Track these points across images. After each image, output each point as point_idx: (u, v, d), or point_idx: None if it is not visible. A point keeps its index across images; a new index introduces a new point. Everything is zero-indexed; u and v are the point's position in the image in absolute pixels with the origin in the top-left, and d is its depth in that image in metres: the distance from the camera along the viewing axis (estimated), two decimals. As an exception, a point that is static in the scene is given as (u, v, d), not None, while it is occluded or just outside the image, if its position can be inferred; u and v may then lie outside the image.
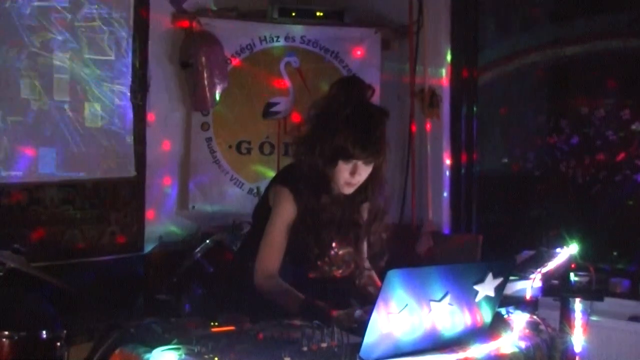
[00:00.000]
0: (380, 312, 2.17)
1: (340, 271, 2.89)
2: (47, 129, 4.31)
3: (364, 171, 2.74)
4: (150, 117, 4.91)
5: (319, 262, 2.85)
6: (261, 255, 2.81)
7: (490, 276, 2.42)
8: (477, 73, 5.08)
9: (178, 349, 2.25)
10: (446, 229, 5.07)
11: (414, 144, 5.07)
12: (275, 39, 5.10)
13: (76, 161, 4.46)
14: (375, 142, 2.70)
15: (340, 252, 2.88)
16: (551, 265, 3.06)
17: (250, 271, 2.86)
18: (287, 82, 5.10)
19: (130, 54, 4.70)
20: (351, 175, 2.73)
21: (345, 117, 2.69)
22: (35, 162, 4.26)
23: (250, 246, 2.95)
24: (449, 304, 2.33)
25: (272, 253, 2.80)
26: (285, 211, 2.79)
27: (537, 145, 4.84)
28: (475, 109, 5.09)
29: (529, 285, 2.92)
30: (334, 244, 2.86)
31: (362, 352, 2.18)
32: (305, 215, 2.77)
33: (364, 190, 2.84)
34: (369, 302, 2.64)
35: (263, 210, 2.90)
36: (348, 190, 2.79)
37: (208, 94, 4.87)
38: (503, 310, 2.83)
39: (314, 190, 2.76)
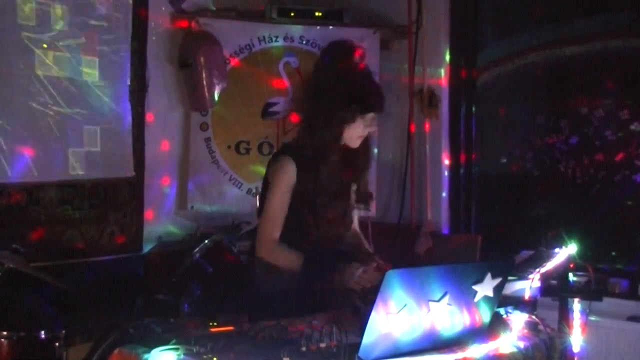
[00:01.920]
0: (379, 312, 2.17)
1: (331, 235, 3.01)
2: (45, 129, 4.31)
3: (376, 121, 2.95)
4: (149, 117, 4.91)
5: (312, 230, 2.95)
6: (263, 224, 2.92)
7: (489, 276, 2.42)
8: (476, 73, 5.08)
9: (177, 349, 2.25)
10: (445, 229, 5.07)
11: (413, 144, 5.07)
12: (274, 39, 5.10)
13: (75, 161, 4.46)
14: (383, 93, 2.94)
15: (331, 216, 2.99)
16: (550, 266, 3.06)
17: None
18: (286, 82, 5.10)
19: (129, 54, 4.70)
20: (365, 128, 2.93)
21: (354, 76, 2.87)
22: (34, 162, 4.26)
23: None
24: (448, 304, 2.33)
25: (274, 220, 2.90)
26: (286, 179, 2.90)
27: (536, 145, 4.83)
28: (474, 109, 5.09)
29: (528, 285, 2.92)
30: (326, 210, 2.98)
31: (361, 352, 2.18)
32: (304, 184, 2.89)
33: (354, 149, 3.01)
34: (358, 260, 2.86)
35: (265, 189, 2.99)
36: (358, 144, 2.97)
37: (207, 94, 4.87)
38: (502, 310, 2.84)
39: (315, 159, 2.89)
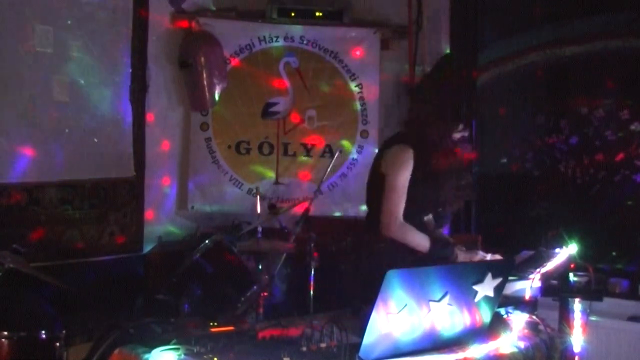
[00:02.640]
0: (379, 312, 2.17)
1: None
2: (46, 129, 4.31)
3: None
4: (150, 117, 4.91)
5: (435, 206, 3.25)
6: (389, 205, 3.10)
7: (489, 276, 2.42)
8: (476, 73, 5.07)
9: (177, 349, 2.25)
10: (445, 229, 5.06)
11: (414, 144, 5.06)
12: (274, 39, 5.10)
13: (75, 161, 4.46)
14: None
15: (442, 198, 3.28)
16: (550, 266, 3.06)
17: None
18: (286, 82, 5.10)
19: (129, 54, 4.70)
20: (461, 131, 3.25)
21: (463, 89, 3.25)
22: (34, 162, 4.26)
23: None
24: (448, 304, 2.33)
25: (399, 201, 3.11)
26: (407, 164, 3.13)
27: (537, 145, 4.83)
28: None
29: (528, 286, 2.92)
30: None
31: (362, 352, 2.18)
32: (420, 168, 3.13)
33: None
34: None
35: (376, 178, 3.20)
36: (456, 139, 3.28)
37: (207, 94, 4.87)
38: (502, 310, 2.83)
39: (433, 146, 3.16)
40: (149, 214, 4.96)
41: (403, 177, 3.12)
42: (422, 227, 3.19)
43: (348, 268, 3.65)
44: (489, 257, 3.20)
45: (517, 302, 2.92)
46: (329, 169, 4.46)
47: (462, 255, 3.17)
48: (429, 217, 3.30)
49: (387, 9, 5.24)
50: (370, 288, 2.81)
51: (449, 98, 3.23)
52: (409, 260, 3.09)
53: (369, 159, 5.10)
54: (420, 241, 3.11)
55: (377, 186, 3.17)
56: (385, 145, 3.30)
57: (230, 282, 3.89)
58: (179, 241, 4.99)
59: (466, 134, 3.33)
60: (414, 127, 3.27)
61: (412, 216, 3.15)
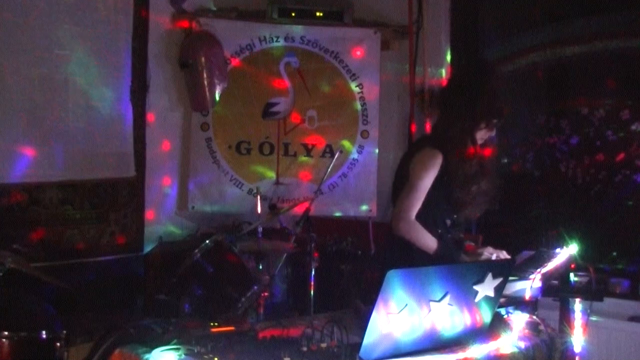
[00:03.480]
0: (380, 312, 2.17)
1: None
2: (46, 129, 4.31)
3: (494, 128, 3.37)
4: (150, 117, 4.91)
5: (453, 209, 3.30)
6: (404, 203, 3.14)
7: (489, 276, 2.42)
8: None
9: (178, 349, 2.26)
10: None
11: (414, 144, 5.07)
12: (275, 39, 5.10)
13: (76, 161, 4.46)
14: (504, 108, 3.31)
15: (466, 198, 3.31)
16: (551, 266, 3.06)
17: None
18: (286, 82, 5.10)
19: (130, 54, 4.71)
20: (489, 132, 3.31)
21: (495, 88, 3.26)
22: (35, 162, 4.26)
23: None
24: (449, 304, 2.33)
25: (415, 201, 3.14)
26: (433, 168, 3.17)
27: (537, 145, 4.83)
28: (474, 109, 5.08)
29: (529, 286, 2.92)
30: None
31: (362, 352, 2.18)
32: (450, 171, 3.19)
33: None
34: None
35: (403, 178, 3.22)
36: (481, 142, 3.33)
37: (208, 94, 4.87)
38: (503, 311, 2.84)
39: (460, 149, 3.21)
40: (149, 214, 4.96)
41: (427, 179, 3.15)
42: (444, 229, 3.22)
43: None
44: (499, 255, 3.22)
45: (518, 302, 2.93)
46: (329, 169, 4.47)
47: (467, 257, 3.19)
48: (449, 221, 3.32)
49: (387, 9, 5.24)
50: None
51: (474, 103, 3.22)
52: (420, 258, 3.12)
53: (370, 159, 5.15)
54: (427, 241, 3.12)
55: (404, 186, 3.20)
56: (415, 147, 3.33)
57: (231, 282, 3.89)
58: (180, 241, 4.99)
59: (488, 136, 3.35)
60: (440, 129, 3.32)
61: (430, 217, 3.16)
